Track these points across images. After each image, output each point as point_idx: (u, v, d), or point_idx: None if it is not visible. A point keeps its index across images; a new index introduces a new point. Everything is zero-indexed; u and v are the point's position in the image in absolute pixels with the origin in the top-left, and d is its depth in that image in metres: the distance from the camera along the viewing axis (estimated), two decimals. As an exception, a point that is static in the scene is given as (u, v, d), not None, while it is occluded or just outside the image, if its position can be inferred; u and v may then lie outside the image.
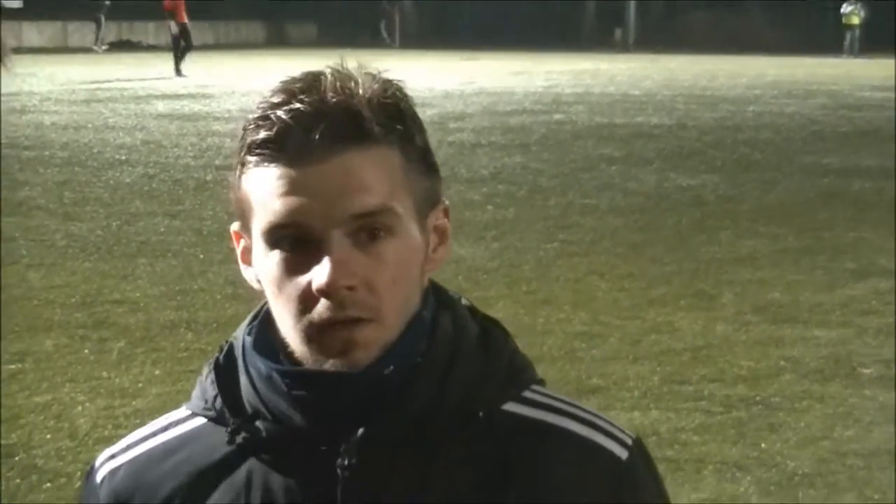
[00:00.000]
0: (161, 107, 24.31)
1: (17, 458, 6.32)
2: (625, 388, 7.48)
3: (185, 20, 34.72)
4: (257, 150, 1.47)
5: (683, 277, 10.41)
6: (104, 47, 49.78)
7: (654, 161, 17.61)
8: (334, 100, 1.46)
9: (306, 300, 1.47)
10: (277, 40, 57.06)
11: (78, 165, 16.63)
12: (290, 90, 1.48)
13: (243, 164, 1.50)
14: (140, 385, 7.45)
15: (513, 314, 9.07)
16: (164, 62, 35.31)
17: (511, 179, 15.83)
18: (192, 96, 26.19)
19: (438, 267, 1.59)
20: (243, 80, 30.00)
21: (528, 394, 1.59)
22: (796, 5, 54.39)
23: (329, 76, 1.49)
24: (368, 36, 55.35)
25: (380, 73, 1.54)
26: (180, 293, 9.55)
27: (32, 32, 50.70)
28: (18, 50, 44.84)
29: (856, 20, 50.13)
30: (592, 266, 10.83)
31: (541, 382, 1.63)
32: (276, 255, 1.49)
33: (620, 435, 1.59)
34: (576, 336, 8.62)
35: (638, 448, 1.60)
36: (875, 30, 49.89)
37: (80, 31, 52.33)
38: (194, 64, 34.29)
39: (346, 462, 1.50)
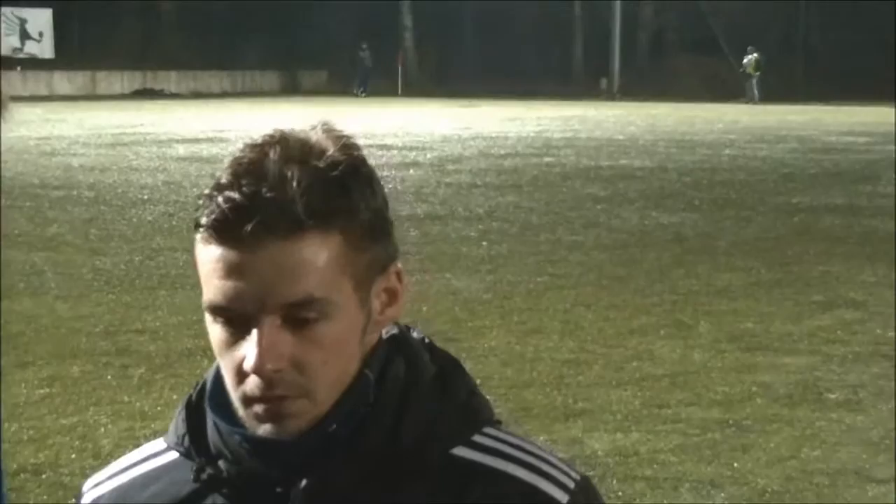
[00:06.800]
0: (181, 150, 24.34)
1: (44, 476, 6.31)
2: (608, 411, 7.48)
3: None
4: (201, 229, 1.45)
5: (663, 308, 10.40)
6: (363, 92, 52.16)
7: (637, 200, 17.63)
8: (269, 195, 1.41)
9: (240, 373, 1.46)
10: (291, 88, 57.13)
11: (104, 204, 16.66)
12: (236, 172, 1.44)
13: (196, 235, 1.47)
14: (159, 409, 7.44)
15: (505, 343, 9.08)
16: (185, 109, 35.35)
17: (504, 217, 15.84)
18: (210, 140, 26.22)
19: (386, 326, 1.54)
20: (258, 126, 29.93)
21: (477, 438, 1.53)
22: (771, 52, 54.49)
23: (272, 159, 1.44)
24: (377, 81, 55.27)
25: (337, 135, 1.48)
26: (197, 322, 9.47)
27: (63, 81, 50.86)
28: (50, 98, 45.08)
29: (752, 70, 51.54)
30: (579, 298, 10.82)
31: (496, 424, 1.57)
32: (216, 328, 1.47)
33: (562, 478, 1.52)
34: (563, 363, 8.60)
35: (580, 489, 1.53)
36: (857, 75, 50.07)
37: (107, 80, 52.47)
38: (213, 111, 34.34)
39: None
